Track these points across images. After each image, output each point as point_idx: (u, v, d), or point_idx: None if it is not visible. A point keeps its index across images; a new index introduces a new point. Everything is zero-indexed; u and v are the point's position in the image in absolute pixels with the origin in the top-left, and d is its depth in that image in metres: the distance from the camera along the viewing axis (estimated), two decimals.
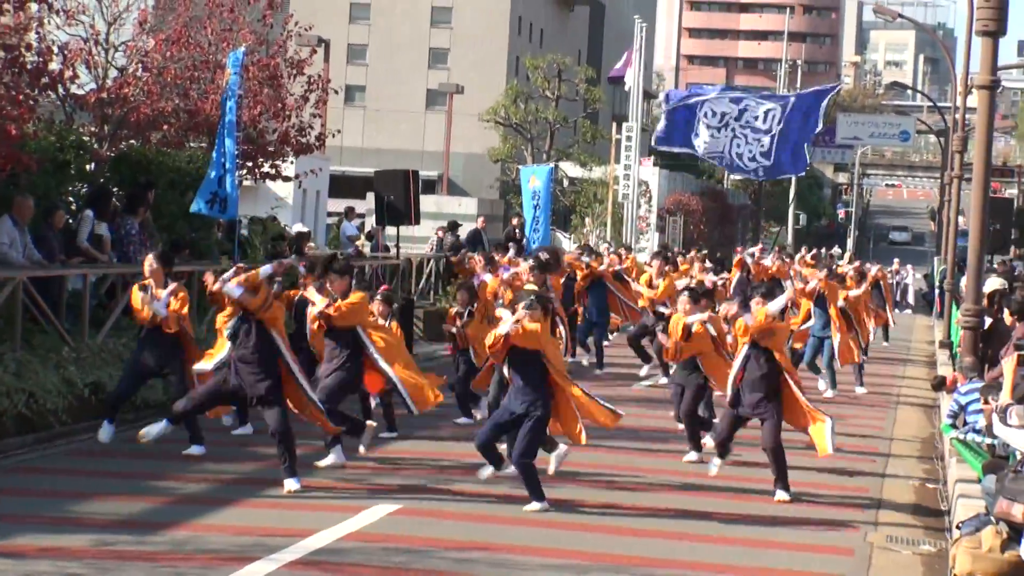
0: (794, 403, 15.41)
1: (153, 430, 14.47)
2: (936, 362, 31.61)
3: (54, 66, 20.73)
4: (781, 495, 15.01)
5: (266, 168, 26.28)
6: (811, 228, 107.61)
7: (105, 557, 11.23)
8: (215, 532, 12.36)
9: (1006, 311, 18.07)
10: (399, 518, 13.27)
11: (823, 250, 72.12)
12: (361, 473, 15.36)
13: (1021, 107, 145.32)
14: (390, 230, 31.56)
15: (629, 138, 53.76)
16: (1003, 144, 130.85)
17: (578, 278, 27.17)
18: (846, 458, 18.01)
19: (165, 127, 24.40)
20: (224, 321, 14.69)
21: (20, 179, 19.41)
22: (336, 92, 32.72)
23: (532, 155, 63.83)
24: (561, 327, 22.81)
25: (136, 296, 15.88)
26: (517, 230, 36.62)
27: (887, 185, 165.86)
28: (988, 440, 14.24)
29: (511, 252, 23.72)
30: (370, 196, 35.94)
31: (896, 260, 62.85)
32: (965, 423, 15.56)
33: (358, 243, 34.21)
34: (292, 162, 28.21)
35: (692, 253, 34.23)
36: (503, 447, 14.68)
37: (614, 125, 59.43)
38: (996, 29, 18.59)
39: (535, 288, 16.66)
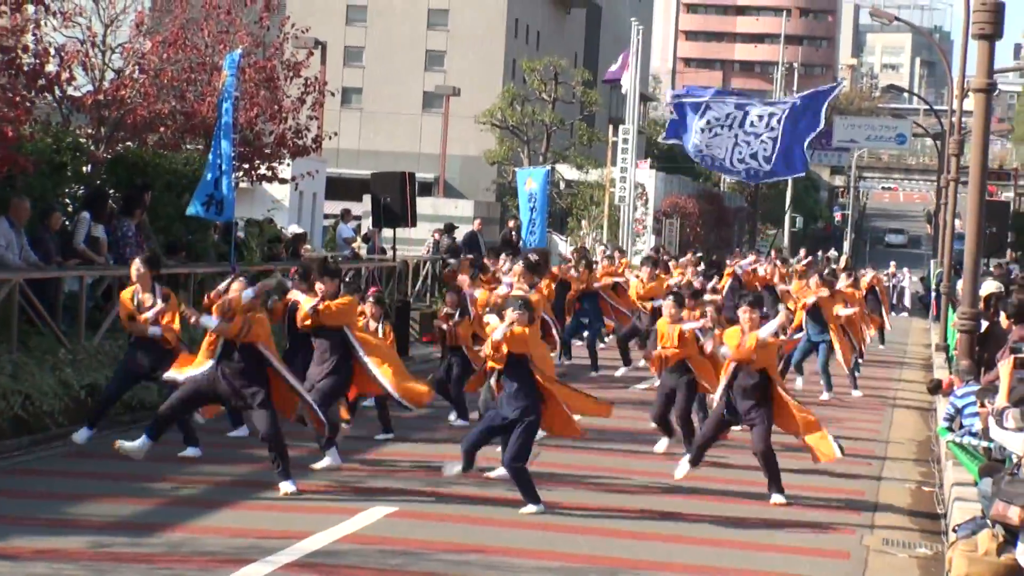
0: (784, 408, 15.39)
1: (130, 445, 14.34)
2: (932, 365, 31.63)
3: (51, 68, 20.72)
4: (777, 498, 15.01)
5: (262, 170, 26.28)
6: (807, 231, 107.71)
7: (101, 559, 11.23)
8: (211, 534, 12.36)
9: (1002, 314, 18.06)
10: (395, 520, 13.26)
11: (819, 253, 72.28)
12: (357, 475, 15.36)
13: (1017, 110, 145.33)
14: (386, 232, 31.56)
15: (626, 140, 53.78)
16: (999, 147, 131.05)
17: (572, 289, 27.16)
18: (842, 461, 17.97)
19: (162, 129, 24.40)
20: (210, 344, 14.52)
21: (16, 181, 19.42)
22: (333, 94, 32.72)
23: (528, 157, 63.87)
24: (554, 330, 22.88)
25: (124, 305, 15.88)
26: (514, 232, 36.64)
27: (883, 188, 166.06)
28: (984, 443, 14.23)
29: (504, 262, 23.65)
30: (366, 198, 35.95)
31: (892, 263, 62.89)
32: (961, 426, 15.56)
33: (354, 245, 34.20)
34: (289, 164, 28.19)
35: (687, 256, 34.18)
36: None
37: (610, 128, 59.49)
38: (992, 32, 18.61)
39: (522, 293, 16.62)
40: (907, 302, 60.90)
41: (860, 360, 28.64)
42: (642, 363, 26.69)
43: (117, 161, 23.27)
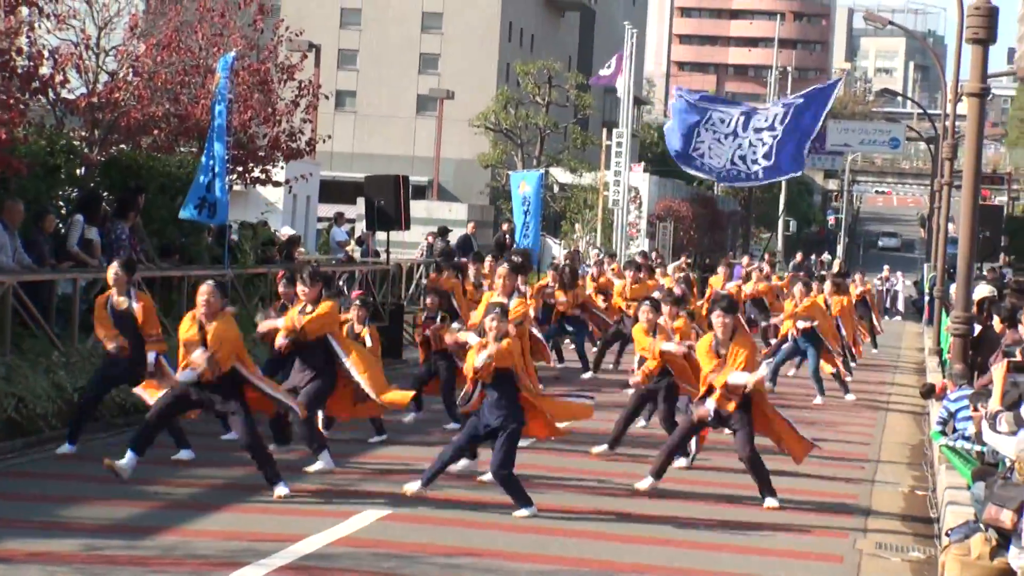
0: (763, 415, 15.37)
1: (119, 464, 14.16)
2: (926, 369, 31.63)
3: (45, 70, 20.73)
4: (770, 502, 15.00)
5: (256, 173, 26.29)
6: (801, 234, 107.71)
7: (94, 562, 11.22)
8: (205, 537, 12.35)
9: (995, 318, 18.10)
10: (389, 523, 13.26)
11: (812, 257, 72.32)
12: (350, 478, 15.36)
13: (1011, 114, 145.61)
14: (380, 235, 31.54)
15: (619, 144, 53.78)
16: (993, 151, 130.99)
17: (556, 311, 27.07)
18: (835, 465, 18.03)
19: (155, 132, 24.41)
20: (183, 366, 14.48)
21: (10, 183, 19.41)
22: (327, 97, 32.77)
23: (522, 161, 63.87)
24: (545, 345, 22.96)
25: (98, 313, 15.87)
26: (507, 236, 36.67)
27: (877, 192, 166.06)
28: (977, 447, 14.26)
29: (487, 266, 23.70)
30: (360, 201, 35.96)
31: (886, 267, 62.87)
32: (955, 430, 15.60)
33: (348, 248, 34.21)
34: (282, 167, 28.22)
35: (680, 260, 34.22)
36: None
37: (604, 131, 59.48)
38: (986, 37, 18.62)
39: (503, 300, 16.57)
40: (900, 306, 60.89)
41: (853, 363, 28.69)
42: (610, 366, 26.77)
43: (111, 164, 23.27)
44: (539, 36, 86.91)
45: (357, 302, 17.86)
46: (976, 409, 14.03)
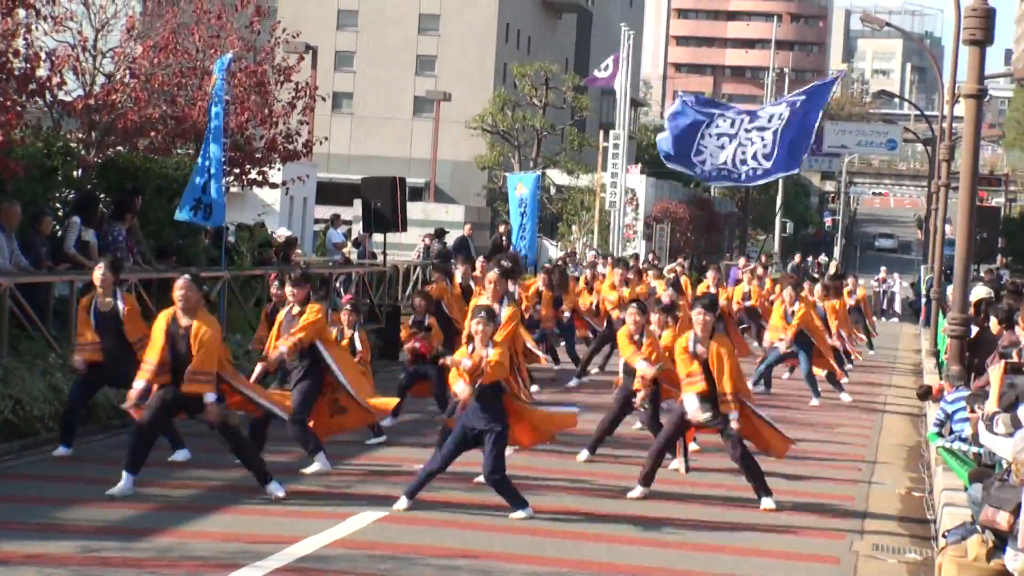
0: (749, 420, 15.34)
1: (116, 490, 14.03)
2: (922, 371, 31.63)
3: (42, 72, 20.73)
4: (766, 503, 14.99)
5: (253, 175, 26.29)
6: (798, 236, 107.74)
7: (91, 564, 11.22)
8: (201, 539, 12.35)
9: (992, 319, 18.09)
10: (385, 525, 13.26)
11: (810, 258, 72.32)
12: (347, 480, 15.35)
13: (1008, 116, 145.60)
14: (377, 237, 31.57)
15: (616, 146, 53.85)
16: (990, 153, 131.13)
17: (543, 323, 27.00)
18: (832, 466, 18.03)
19: (152, 133, 24.42)
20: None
21: (7, 185, 19.40)
22: (323, 99, 32.76)
23: (519, 162, 63.91)
24: (537, 351, 22.94)
25: (81, 315, 15.85)
26: (504, 237, 36.65)
27: (874, 193, 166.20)
28: (974, 449, 14.25)
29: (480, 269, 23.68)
30: (357, 203, 35.99)
31: (883, 268, 62.90)
32: (951, 432, 15.58)
33: (345, 250, 34.21)
34: (279, 169, 28.21)
35: (676, 263, 34.21)
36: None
37: (601, 133, 59.53)
38: (983, 38, 18.60)
39: (489, 303, 16.55)
40: (897, 307, 60.92)
41: (849, 365, 28.67)
42: (595, 370, 26.70)
43: (108, 165, 23.26)
44: (536, 38, 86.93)
45: (348, 306, 17.84)
46: (973, 411, 14.03)
